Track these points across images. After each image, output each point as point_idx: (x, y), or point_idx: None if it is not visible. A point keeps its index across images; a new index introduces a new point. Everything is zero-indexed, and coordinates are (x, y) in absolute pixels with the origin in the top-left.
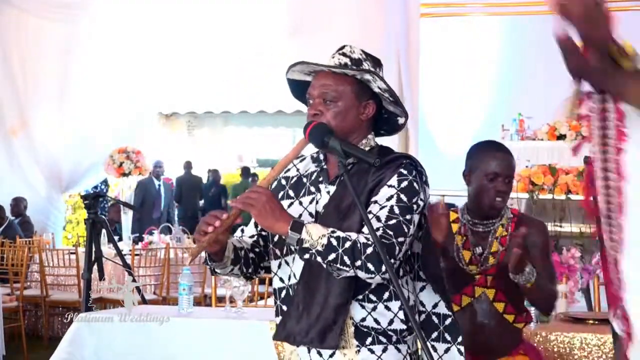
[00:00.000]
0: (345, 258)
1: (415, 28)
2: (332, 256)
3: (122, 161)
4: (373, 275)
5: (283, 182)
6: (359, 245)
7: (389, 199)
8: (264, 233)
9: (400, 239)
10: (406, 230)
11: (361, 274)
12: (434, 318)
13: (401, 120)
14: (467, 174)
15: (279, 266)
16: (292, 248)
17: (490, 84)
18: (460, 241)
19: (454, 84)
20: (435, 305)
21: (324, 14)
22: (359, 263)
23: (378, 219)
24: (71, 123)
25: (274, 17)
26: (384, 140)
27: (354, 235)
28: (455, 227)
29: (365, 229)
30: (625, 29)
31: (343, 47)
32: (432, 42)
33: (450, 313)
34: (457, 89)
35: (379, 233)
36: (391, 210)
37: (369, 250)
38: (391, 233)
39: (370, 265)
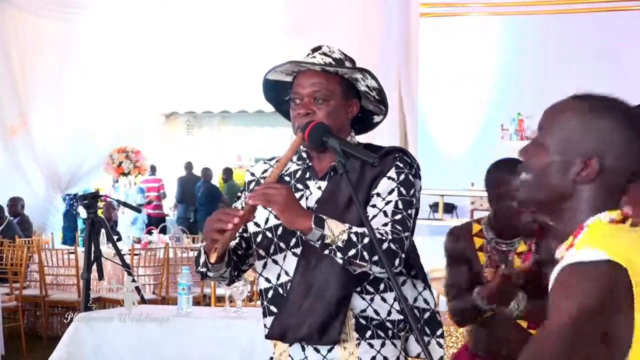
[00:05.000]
0: (365, 253)
1: (415, 28)
2: (352, 252)
3: (122, 161)
4: (391, 270)
5: (263, 182)
6: (375, 240)
7: (391, 193)
8: (245, 235)
9: (406, 234)
10: (409, 224)
11: (376, 269)
12: (415, 312)
13: (377, 119)
14: (495, 199)
15: (264, 266)
16: (282, 245)
17: (490, 83)
18: (483, 259)
19: (454, 83)
20: (415, 300)
21: (324, 13)
22: (375, 258)
23: (385, 214)
24: (70, 122)
25: (273, 16)
26: (383, 140)
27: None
28: (478, 242)
29: (374, 224)
30: (625, 29)
31: (320, 47)
32: (432, 42)
33: (428, 307)
34: (457, 89)
35: (387, 228)
36: (396, 205)
37: (384, 245)
38: (400, 228)
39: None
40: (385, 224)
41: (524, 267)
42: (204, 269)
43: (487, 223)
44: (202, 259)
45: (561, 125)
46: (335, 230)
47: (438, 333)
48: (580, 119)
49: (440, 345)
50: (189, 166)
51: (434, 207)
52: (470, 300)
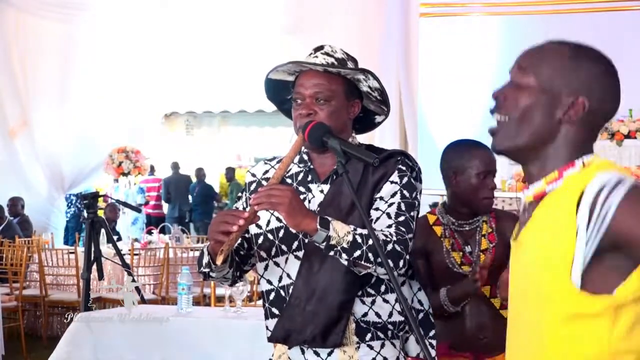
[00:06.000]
0: (370, 255)
1: (414, 28)
2: (357, 253)
3: (122, 161)
4: (391, 272)
5: (265, 184)
6: (379, 242)
7: (393, 196)
8: (247, 236)
9: (410, 235)
10: (412, 226)
11: (380, 270)
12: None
13: (379, 119)
14: (453, 176)
15: (266, 268)
16: (284, 248)
17: (490, 83)
18: (448, 244)
19: (454, 83)
20: (411, 300)
21: (323, 13)
22: (380, 260)
23: (389, 216)
24: (72, 123)
25: (273, 16)
26: (383, 140)
27: None
28: (438, 230)
29: (378, 226)
30: (625, 29)
31: (322, 46)
32: (431, 42)
33: (422, 308)
34: (457, 89)
35: (392, 230)
36: (399, 207)
37: (389, 247)
38: (403, 230)
39: (390, 262)
40: (389, 226)
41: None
42: (207, 270)
43: (441, 210)
44: (206, 260)
45: (547, 64)
46: (341, 231)
47: (431, 334)
48: (567, 59)
49: (433, 346)
50: (175, 166)
51: (434, 207)
52: (433, 299)
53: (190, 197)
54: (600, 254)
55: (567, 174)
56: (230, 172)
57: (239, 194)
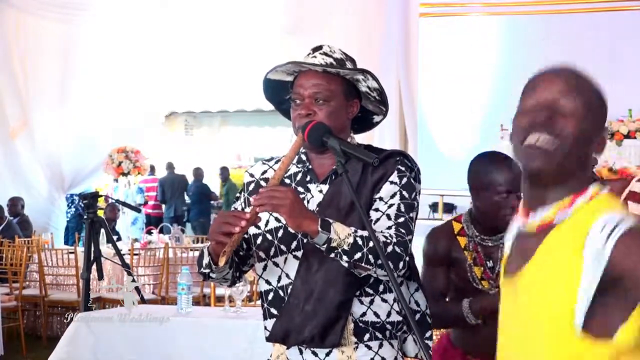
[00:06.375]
0: (370, 257)
1: (414, 28)
2: (357, 255)
3: (121, 161)
4: (392, 274)
5: (263, 184)
6: (380, 243)
7: (393, 196)
8: (246, 236)
9: (410, 237)
10: (412, 227)
11: (380, 272)
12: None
13: (377, 119)
14: (476, 189)
15: (264, 268)
16: (282, 248)
17: (490, 83)
18: (470, 257)
19: (453, 83)
20: (408, 301)
21: (323, 13)
22: (380, 262)
23: (389, 217)
24: (72, 123)
25: (272, 16)
26: (383, 140)
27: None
28: (462, 241)
29: (377, 227)
30: (625, 29)
31: (321, 46)
32: (431, 42)
33: (419, 309)
34: (457, 89)
35: (392, 231)
36: (398, 208)
37: (389, 248)
38: (403, 231)
39: (390, 264)
40: (389, 227)
41: None
42: (207, 270)
43: (467, 220)
44: (206, 261)
45: (587, 97)
46: (342, 233)
47: (427, 335)
48: (598, 98)
49: (429, 347)
50: (170, 166)
51: (434, 207)
52: (454, 309)
53: (187, 197)
54: (602, 295)
55: (578, 201)
56: (224, 173)
57: (237, 195)
